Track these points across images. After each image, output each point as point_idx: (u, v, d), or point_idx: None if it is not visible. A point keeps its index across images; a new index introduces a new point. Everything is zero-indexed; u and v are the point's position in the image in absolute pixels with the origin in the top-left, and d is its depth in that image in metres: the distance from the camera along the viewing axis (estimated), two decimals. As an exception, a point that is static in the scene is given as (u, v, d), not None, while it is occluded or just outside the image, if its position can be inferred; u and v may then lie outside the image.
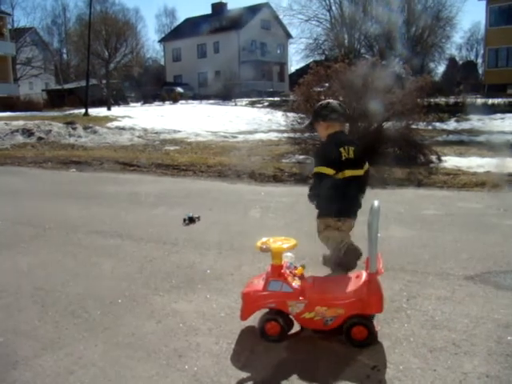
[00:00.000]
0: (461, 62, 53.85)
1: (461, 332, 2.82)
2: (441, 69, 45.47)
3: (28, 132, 16.72)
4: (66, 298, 3.46)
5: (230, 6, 58.27)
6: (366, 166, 3.89)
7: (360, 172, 3.80)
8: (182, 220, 5.46)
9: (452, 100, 22.59)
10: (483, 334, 2.79)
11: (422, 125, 10.50)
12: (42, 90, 51.29)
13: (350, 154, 3.71)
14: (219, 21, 52.62)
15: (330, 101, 4.00)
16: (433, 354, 2.60)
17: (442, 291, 3.41)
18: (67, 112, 28.78)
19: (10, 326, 3.07)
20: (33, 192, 7.87)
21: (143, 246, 4.68)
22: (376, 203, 2.65)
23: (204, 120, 21.66)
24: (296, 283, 2.80)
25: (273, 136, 16.44)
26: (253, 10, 54.50)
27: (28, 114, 26.11)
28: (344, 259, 3.61)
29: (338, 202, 3.65)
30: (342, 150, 3.69)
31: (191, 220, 5.48)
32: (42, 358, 2.70)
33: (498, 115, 19.88)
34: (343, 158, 3.67)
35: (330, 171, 3.64)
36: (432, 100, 17.29)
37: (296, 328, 2.85)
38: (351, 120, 10.11)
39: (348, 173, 3.68)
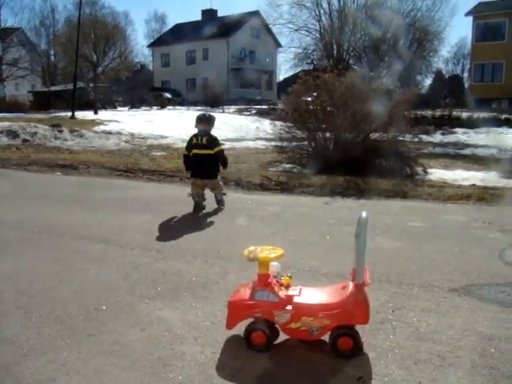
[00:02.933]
0: (447, 76, 54.51)
1: (445, 344, 2.83)
2: (428, 82, 45.93)
3: (13, 134, 16.56)
4: (50, 304, 3.42)
5: (220, 14, 58.52)
6: (217, 148, 6.47)
7: (208, 151, 6.41)
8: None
9: (438, 113, 22.83)
10: (467, 347, 2.80)
11: (408, 137, 10.57)
12: (29, 92, 50.82)
13: (203, 141, 6.42)
14: (209, 28, 52.70)
15: (201, 113, 7.22)
16: (418, 366, 2.61)
17: (426, 303, 3.42)
18: (53, 114, 28.48)
19: (-9, 331, 3.02)
20: (18, 195, 7.78)
21: (129, 252, 4.65)
22: (364, 214, 2.65)
23: (191, 126, 21.59)
24: (282, 293, 2.80)
25: (260, 144, 16.47)
26: (243, 17, 54.64)
27: (13, 115, 25.86)
28: (195, 203, 6.49)
29: (190, 168, 6.51)
30: (194, 138, 6.49)
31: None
32: (24, 364, 2.66)
33: (483, 129, 20.13)
34: (193, 142, 6.47)
35: (185, 152, 6.59)
36: (419, 112, 17.50)
37: (282, 338, 2.85)
38: (338, 130, 10.20)
39: (195, 151, 6.44)
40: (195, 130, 6.65)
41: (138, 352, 2.77)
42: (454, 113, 23.72)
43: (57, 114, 28.17)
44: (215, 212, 6.48)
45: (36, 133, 16.72)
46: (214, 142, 6.49)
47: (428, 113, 21.94)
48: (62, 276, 4.01)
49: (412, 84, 28.25)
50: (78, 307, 3.37)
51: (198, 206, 6.51)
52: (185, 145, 6.75)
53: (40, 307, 3.37)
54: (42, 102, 41.00)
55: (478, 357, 2.70)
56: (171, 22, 72.84)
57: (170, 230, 5.53)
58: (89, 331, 3.02)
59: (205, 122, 6.62)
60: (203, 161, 6.42)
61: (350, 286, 2.74)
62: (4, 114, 25.83)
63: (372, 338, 2.91)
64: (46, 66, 61.32)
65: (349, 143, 10.02)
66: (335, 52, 40.64)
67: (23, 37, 55.72)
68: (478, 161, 12.21)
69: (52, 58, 65.10)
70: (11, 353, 2.78)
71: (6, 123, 17.81)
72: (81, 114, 26.27)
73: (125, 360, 2.70)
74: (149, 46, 64.19)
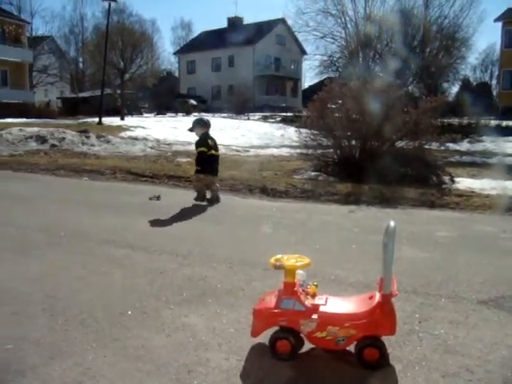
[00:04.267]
0: (475, 83, 53.79)
1: (474, 358, 2.77)
2: (454, 89, 45.38)
3: (42, 139, 16.89)
4: (76, 307, 3.45)
5: (245, 21, 58.84)
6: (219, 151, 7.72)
7: (216, 153, 7.57)
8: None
9: (465, 121, 22.55)
10: (498, 361, 2.73)
11: (435, 145, 10.45)
12: (57, 98, 51.79)
13: (212, 143, 7.47)
14: (235, 35, 53.02)
15: (201, 117, 8.56)
16: (445, 380, 2.55)
17: (454, 315, 3.36)
18: (81, 120, 28.98)
19: (19, 333, 3.06)
20: (46, 199, 7.91)
21: (155, 257, 4.67)
22: (392, 224, 2.61)
23: (216, 133, 21.68)
24: (308, 302, 2.78)
25: (285, 151, 16.49)
26: (268, 25, 54.96)
27: (42, 120, 26.35)
28: (200, 195, 7.42)
29: (205, 166, 7.34)
30: (208, 140, 7.45)
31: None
32: (51, 366, 2.68)
33: (512, 137, 19.81)
34: (209, 144, 7.39)
35: (205, 149, 7.35)
36: (445, 120, 17.31)
37: (307, 347, 2.82)
38: (364, 138, 10.14)
39: (211, 152, 7.41)
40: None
41: (163, 357, 2.78)
42: (482, 121, 23.38)
43: (84, 120, 28.64)
44: (241, 219, 6.50)
45: (64, 138, 17.01)
46: (217, 144, 7.70)
47: (455, 121, 21.69)
48: (88, 280, 4.05)
49: (438, 91, 27.96)
50: (103, 311, 3.39)
51: (203, 196, 7.44)
52: (197, 145, 7.54)
53: (66, 310, 3.40)
54: (70, 108, 41.80)
55: (510, 372, 2.62)
56: (197, 30, 73.44)
57: (196, 236, 5.54)
58: (114, 335, 3.04)
59: (206, 125, 7.63)
60: (215, 160, 7.55)
61: (377, 296, 2.70)
62: (33, 120, 26.36)
63: (398, 349, 2.87)
64: (75, 73, 62.51)
65: (374, 151, 9.96)
66: (361, 59, 40.47)
67: (53, 44, 57.03)
68: (506, 170, 11.99)
69: (80, 65, 66.30)
70: (38, 355, 2.81)
71: (36, 129, 18.17)
72: (108, 120, 26.64)
73: (150, 365, 2.70)
74: (175, 53, 64.87)
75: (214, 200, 7.43)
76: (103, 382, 2.55)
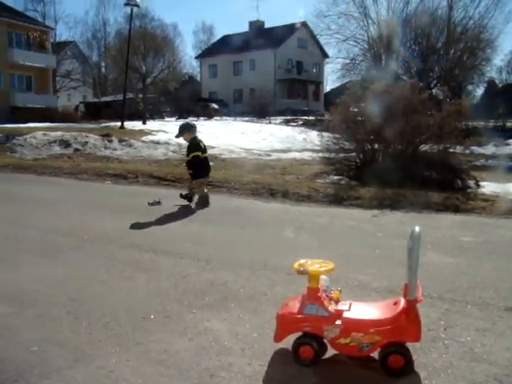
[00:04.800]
0: (500, 85, 52.88)
1: (502, 367, 2.70)
2: (479, 91, 44.64)
3: (65, 143, 17.09)
4: (99, 311, 3.47)
5: (267, 25, 58.89)
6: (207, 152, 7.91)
7: (206, 155, 7.78)
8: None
9: (491, 124, 22.20)
10: (527, 371, 2.67)
11: (459, 148, 10.30)
12: (80, 102, 52.41)
13: (203, 146, 7.65)
14: (256, 39, 53.13)
15: (187, 122, 9.38)
16: (473, 389, 2.50)
17: (481, 322, 3.29)
18: (103, 124, 29.25)
19: (43, 336, 3.09)
20: (69, 203, 8.00)
21: (177, 261, 4.68)
22: (417, 229, 2.57)
23: (238, 137, 21.79)
24: (332, 307, 2.75)
25: (307, 155, 16.41)
26: (290, 28, 54.97)
27: (65, 125, 26.68)
28: (203, 198, 7.50)
29: (202, 169, 7.60)
30: (200, 144, 7.63)
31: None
32: (75, 369, 2.70)
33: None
34: (202, 147, 7.59)
35: (199, 153, 7.49)
36: (470, 123, 17.08)
37: (330, 353, 2.79)
38: (387, 142, 10.05)
39: (204, 155, 7.63)
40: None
41: (185, 362, 2.77)
42: (508, 123, 23.00)
43: (107, 124, 28.92)
44: (263, 223, 6.48)
45: (87, 142, 17.19)
46: (205, 146, 7.88)
47: (480, 123, 21.37)
48: (111, 283, 4.08)
49: (463, 94, 27.61)
50: (126, 315, 3.40)
51: (207, 200, 7.52)
52: (190, 151, 7.62)
53: (90, 313, 3.43)
54: (93, 113, 42.24)
55: (539, 382, 2.56)
56: (219, 34, 73.37)
57: (218, 240, 5.55)
58: (137, 339, 3.05)
59: (193, 129, 7.84)
60: (208, 162, 7.84)
61: (402, 302, 2.66)
62: (57, 124, 26.72)
63: (423, 356, 2.81)
64: (97, 78, 63.17)
65: (398, 155, 9.86)
66: (383, 62, 40.13)
67: (76, 50, 57.85)
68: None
69: (103, 69, 66.83)
70: (62, 357, 2.83)
71: (59, 133, 18.40)
72: (130, 124, 26.85)
73: (172, 369, 2.70)
74: (197, 57, 65.21)
75: (208, 196, 7.63)
76: (126, 385, 2.55)
